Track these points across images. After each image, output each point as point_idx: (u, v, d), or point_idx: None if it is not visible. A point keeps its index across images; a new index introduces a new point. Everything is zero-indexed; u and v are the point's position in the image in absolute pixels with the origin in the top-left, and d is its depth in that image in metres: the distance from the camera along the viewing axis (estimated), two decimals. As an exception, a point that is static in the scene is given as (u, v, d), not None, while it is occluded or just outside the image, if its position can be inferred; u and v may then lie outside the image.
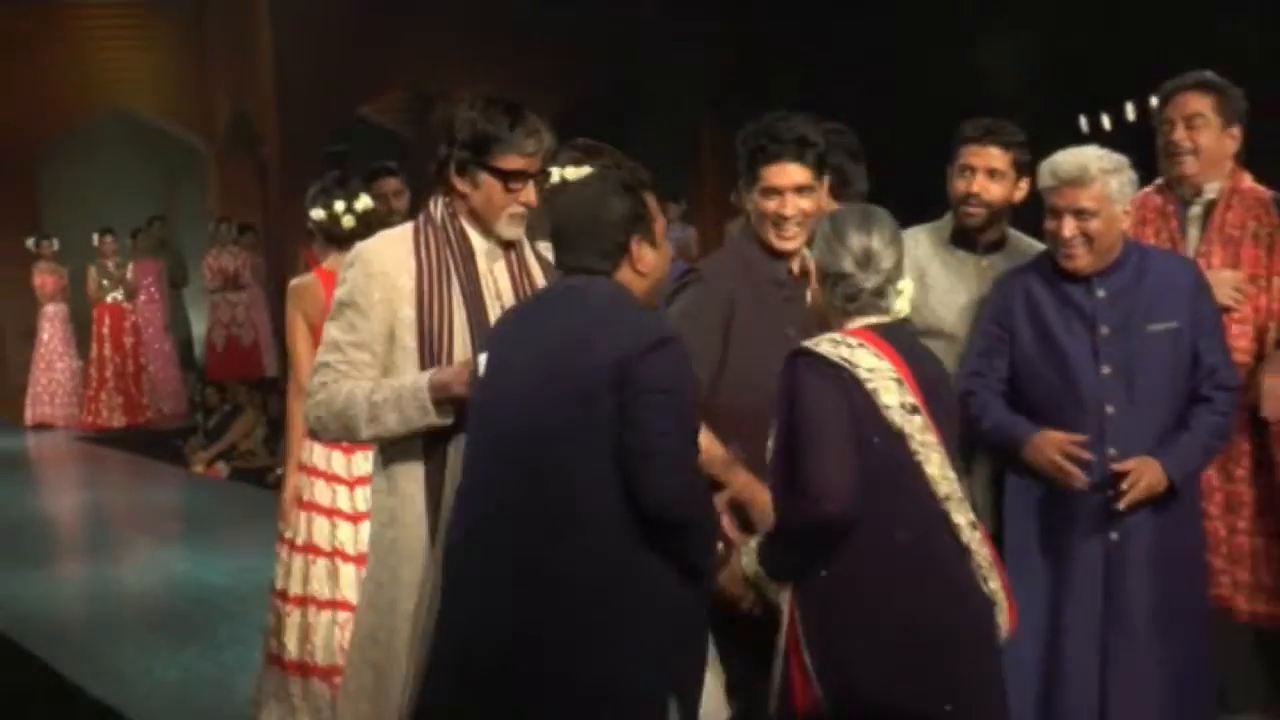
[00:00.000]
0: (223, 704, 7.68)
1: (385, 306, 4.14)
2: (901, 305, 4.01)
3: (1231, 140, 5.20)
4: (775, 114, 4.69)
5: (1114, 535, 4.61)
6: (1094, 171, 4.59)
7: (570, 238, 3.94)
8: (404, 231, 4.26)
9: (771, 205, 4.52)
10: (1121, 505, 4.53)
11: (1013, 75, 12.25)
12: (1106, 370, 4.60)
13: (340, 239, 6.46)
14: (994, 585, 3.95)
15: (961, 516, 3.91)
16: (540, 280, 4.35)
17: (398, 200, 7.08)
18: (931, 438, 3.88)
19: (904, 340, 4.01)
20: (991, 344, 4.78)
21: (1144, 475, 4.53)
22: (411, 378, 4.10)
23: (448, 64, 16.09)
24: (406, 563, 4.17)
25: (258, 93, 20.04)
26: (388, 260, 4.17)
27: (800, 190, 4.52)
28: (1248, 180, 5.24)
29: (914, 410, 3.87)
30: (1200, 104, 5.18)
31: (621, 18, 15.09)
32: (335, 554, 6.48)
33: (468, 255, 4.22)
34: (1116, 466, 4.54)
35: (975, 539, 3.93)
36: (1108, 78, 11.10)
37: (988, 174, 5.05)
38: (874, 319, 3.98)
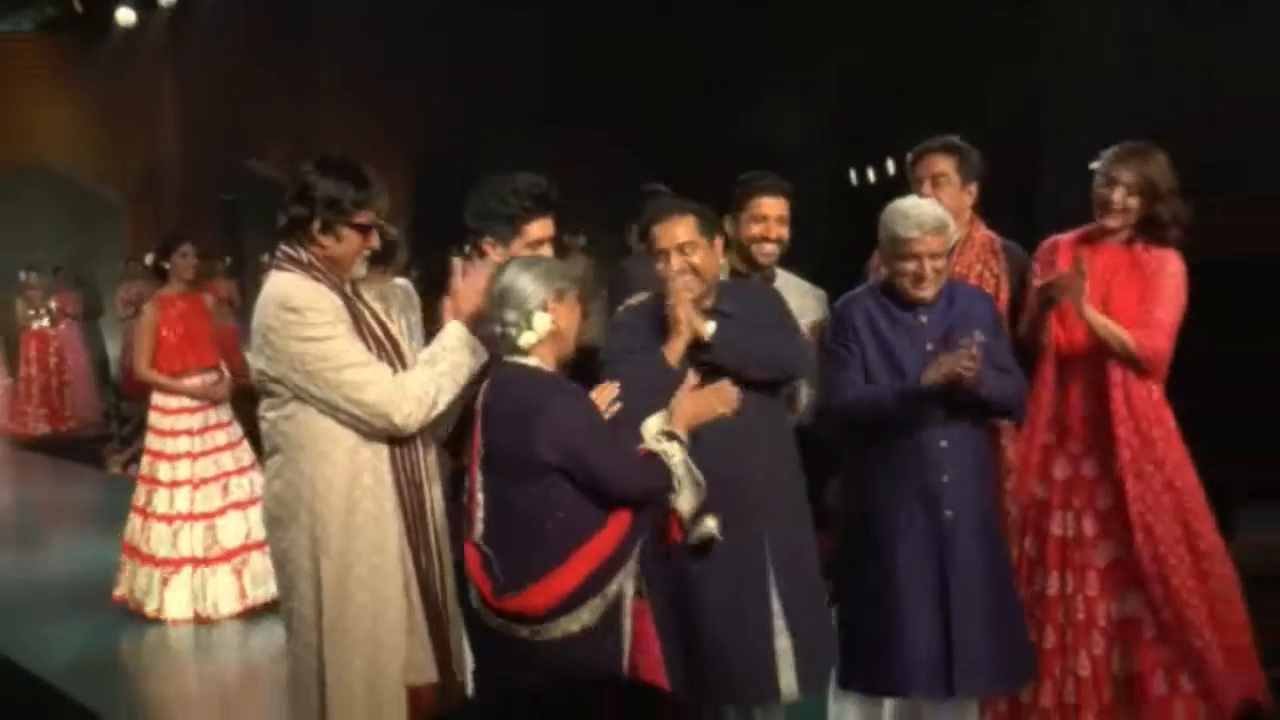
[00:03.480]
0: (132, 668, 7.66)
1: (347, 326, 4.16)
2: (525, 339, 4.00)
3: (969, 195, 5.24)
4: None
5: (949, 513, 4.70)
6: (945, 222, 4.71)
7: None
8: (296, 277, 4.17)
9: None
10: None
11: (792, 135, 12.40)
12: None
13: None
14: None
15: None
16: (373, 302, 4.41)
17: (185, 262, 8.37)
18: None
19: (500, 376, 4.07)
20: (844, 360, 4.82)
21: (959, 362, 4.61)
22: (439, 343, 4.24)
23: (321, 123, 16.04)
24: (380, 552, 4.19)
25: (162, 147, 19.81)
26: (321, 298, 4.14)
27: (543, 242, 4.54)
28: (982, 228, 5.30)
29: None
30: (944, 165, 5.21)
31: (463, 91, 15.11)
32: (174, 485, 8.19)
33: (344, 290, 4.24)
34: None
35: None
36: (871, 137, 11.26)
37: (779, 221, 5.14)
38: (507, 357, 4.06)
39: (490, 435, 4.00)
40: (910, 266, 4.70)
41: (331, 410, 4.13)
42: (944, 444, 4.71)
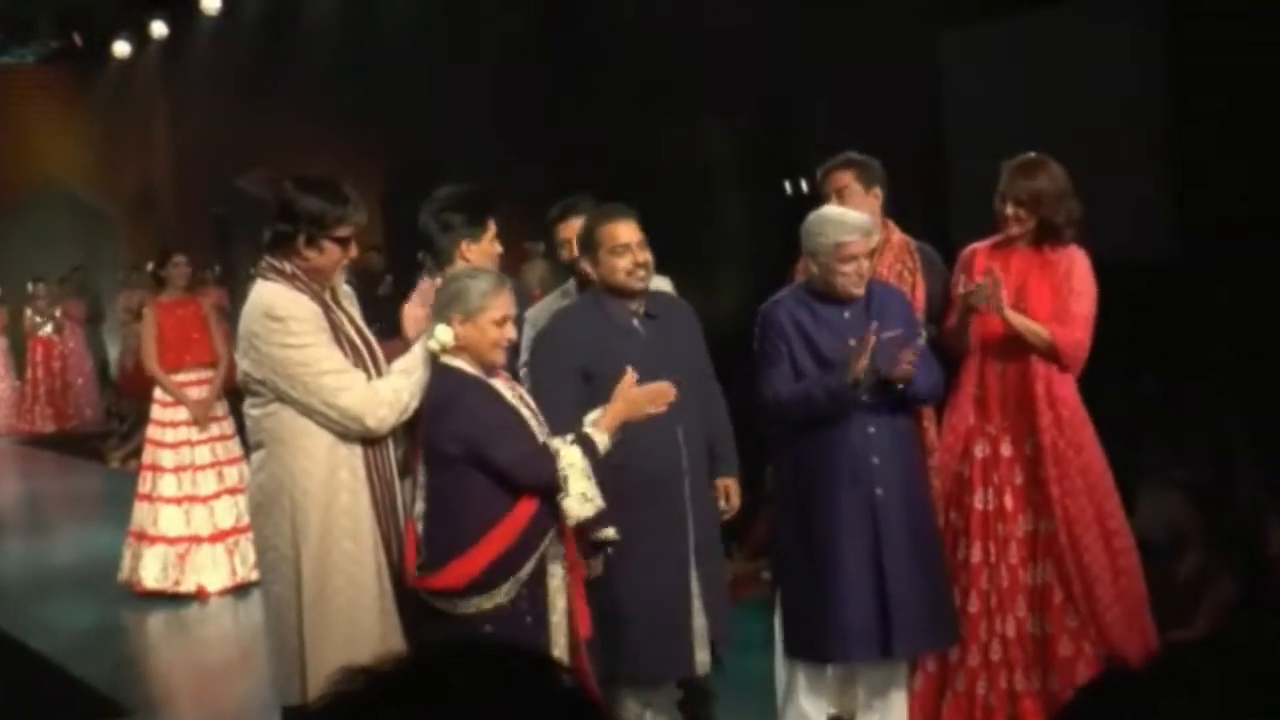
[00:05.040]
0: (133, 649, 7.59)
1: (326, 335, 4.15)
2: (429, 345, 4.12)
3: (875, 199, 5.21)
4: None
5: (879, 491, 4.71)
6: (873, 226, 4.79)
7: None
8: (281, 287, 4.15)
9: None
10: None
11: (732, 150, 12.41)
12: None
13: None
14: None
15: None
16: (353, 313, 4.39)
17: (178, 270, 8.51)
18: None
19: (430, 374, 4.16)
20: (773, 358, 4.80)
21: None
22: (413, 354, 4.23)
23: (300, 144, 15.96)
24: (355, 539, 4.18)
25: (156, 167, 19.69)
26: (304, 308, 4.13)
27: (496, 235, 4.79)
28: (896, 232, 5.29)
29: None
30: (845, 178, 5.18)
31: (425, 116, 15.07)
32: (178, 470, 8.23)
33: (320, 296, 4.22)
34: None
35: None
36: (803, 150, 11.30)
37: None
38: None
39: (421, 427, 4.11)
40: (850, 268, 4.71)
41: (309, 412, 4.11)
42: (871, 430, 4.73)
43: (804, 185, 11.87)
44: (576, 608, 4.19)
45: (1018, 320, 4.89)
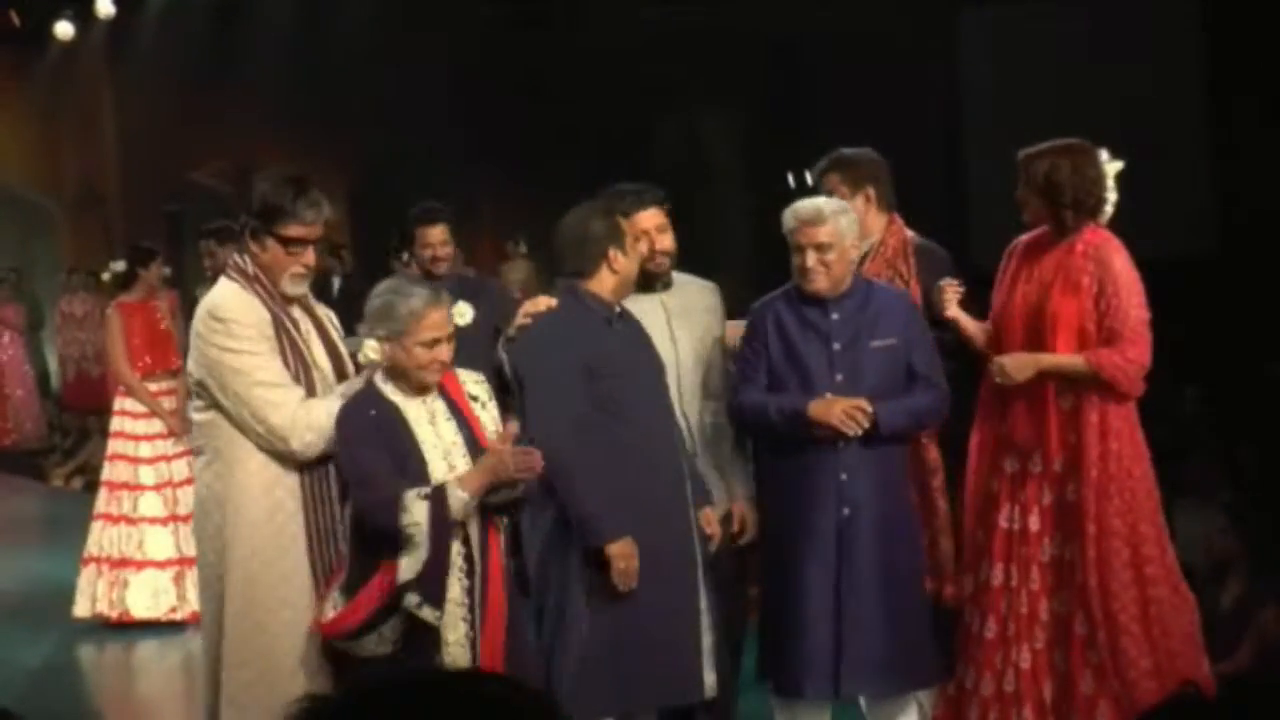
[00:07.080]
0: (77, 685, 7.55)
1: (270, 344, 4.18)
2: (361, 357, 4.23)
3: (865, 199, 5.20)
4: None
5: (845, 511, 4.75)
6: (826, 213, 4.77)
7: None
8: (236, 287, 4.23)
9: None
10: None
11: (730, 141, 12.43)
12: (840, 378, 4.76)
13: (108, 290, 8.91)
14: None
15: None
16: (325, 324, 4.43)
17: (158, 271, 8.58)
18: None
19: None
20: (749, 363, 4.89)
21: (861, 407, 4.69)
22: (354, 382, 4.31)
23: (260, 137, 15.94)
24: (287, 557, 4.23)
25: (101, 160, 19.63)
26: (250, 312, 4.18)
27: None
28: (898, 232, 5.26)
29: None
30: (832, 182, 5.22)
31: (399, 104, 15.07)
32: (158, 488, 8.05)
33: (280, 303, 4.26)
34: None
35: None
36: (805, 143, 11.34)
37: (659, 230, 5.04)
38: None
39: None
40: (797, 260, 4.79)
41: (239, 422, 4.17)
42: (841, 444, 4.76)
43: (808, 179, 11.92)
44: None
45: (1046, 363, 4.89)
